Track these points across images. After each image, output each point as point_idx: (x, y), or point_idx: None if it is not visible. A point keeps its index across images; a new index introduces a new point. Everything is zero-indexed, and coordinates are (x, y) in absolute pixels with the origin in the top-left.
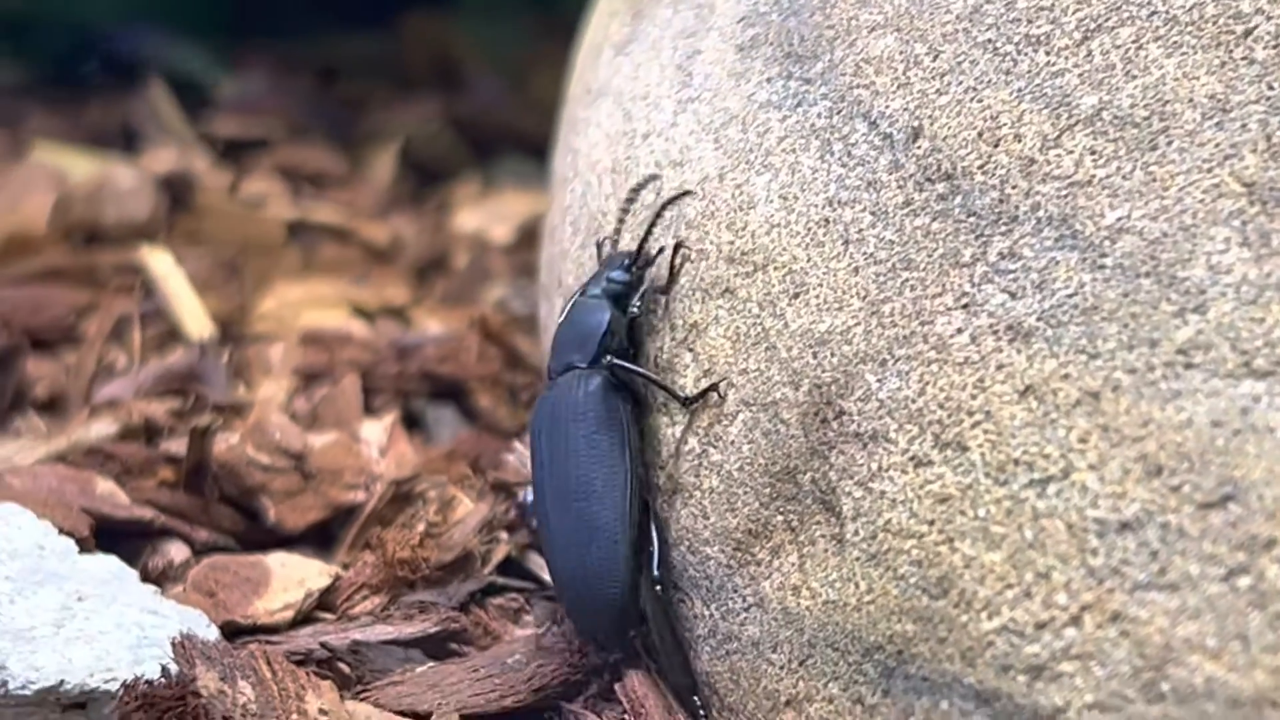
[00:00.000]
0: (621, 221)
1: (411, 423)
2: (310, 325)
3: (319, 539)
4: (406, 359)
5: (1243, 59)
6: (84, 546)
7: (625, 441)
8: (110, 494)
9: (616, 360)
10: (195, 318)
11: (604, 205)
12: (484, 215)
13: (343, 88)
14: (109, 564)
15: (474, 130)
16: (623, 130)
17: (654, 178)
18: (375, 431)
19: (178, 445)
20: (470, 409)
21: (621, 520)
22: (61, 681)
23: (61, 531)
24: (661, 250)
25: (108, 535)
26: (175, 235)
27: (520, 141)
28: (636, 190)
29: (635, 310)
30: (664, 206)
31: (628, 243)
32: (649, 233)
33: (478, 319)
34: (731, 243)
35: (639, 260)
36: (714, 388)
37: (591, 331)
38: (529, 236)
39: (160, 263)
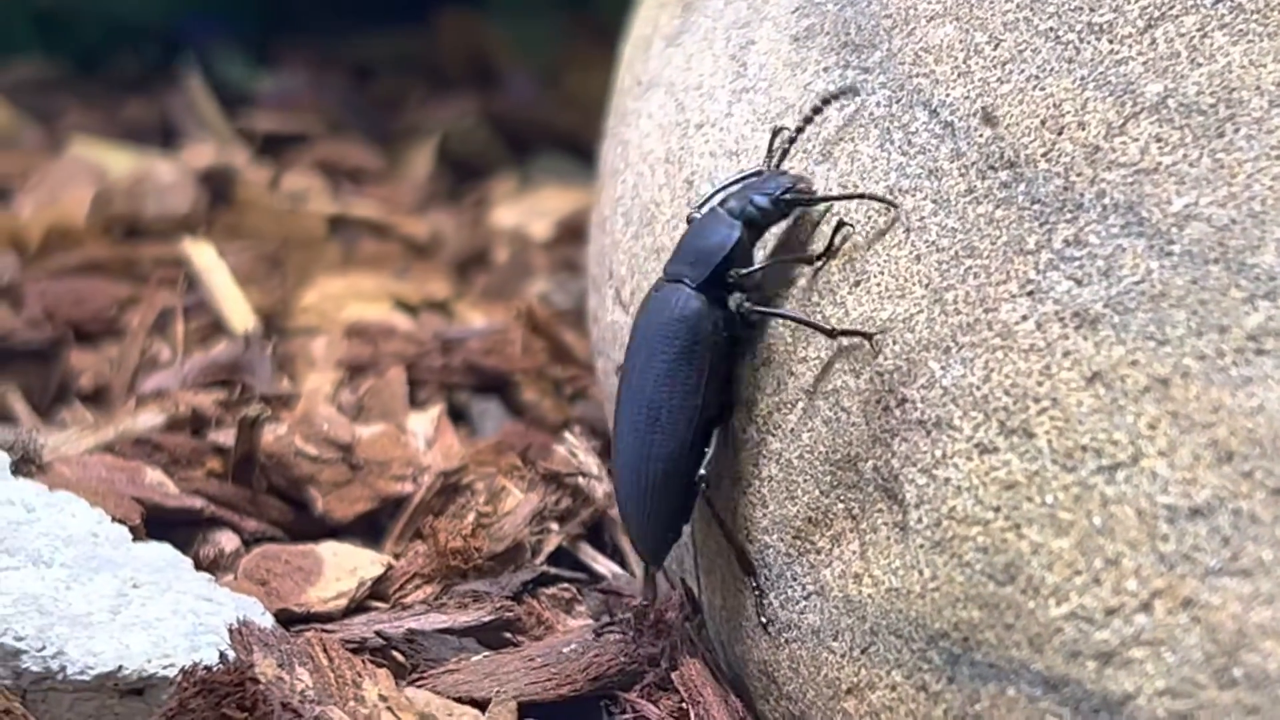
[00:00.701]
0: (800, 131)
1: (457, 416)
2: (353, 318)
3: (368, 530)
4: (451, 352)
5: None
6: (136, 535)
7: (704, 377)
8: (160, 483)
9: (746, 304)
10: (239, 311)
11: (657, 195)
12: (522, 211)
13: (378, 85)
14: (163, 551)
15: (510, 127)
16: (676, 121)
17: (850, 91)
18: (422, 423)
19: (225, 436)
20: (515, 402)
21: (680, 450)
22: (120, 667)
23: (114, 519)
24: (812, 193)
25: (158, 524)
26: (216, 230)
27: (557, 139)
28: (825, 103)
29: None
30: (824, 103)
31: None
32: (801, 130)
33: (524, 311)
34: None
35: (789, 190)
36: (868, 337)
37: (712, 251)
38: (569, 232)
39: (203, 255)
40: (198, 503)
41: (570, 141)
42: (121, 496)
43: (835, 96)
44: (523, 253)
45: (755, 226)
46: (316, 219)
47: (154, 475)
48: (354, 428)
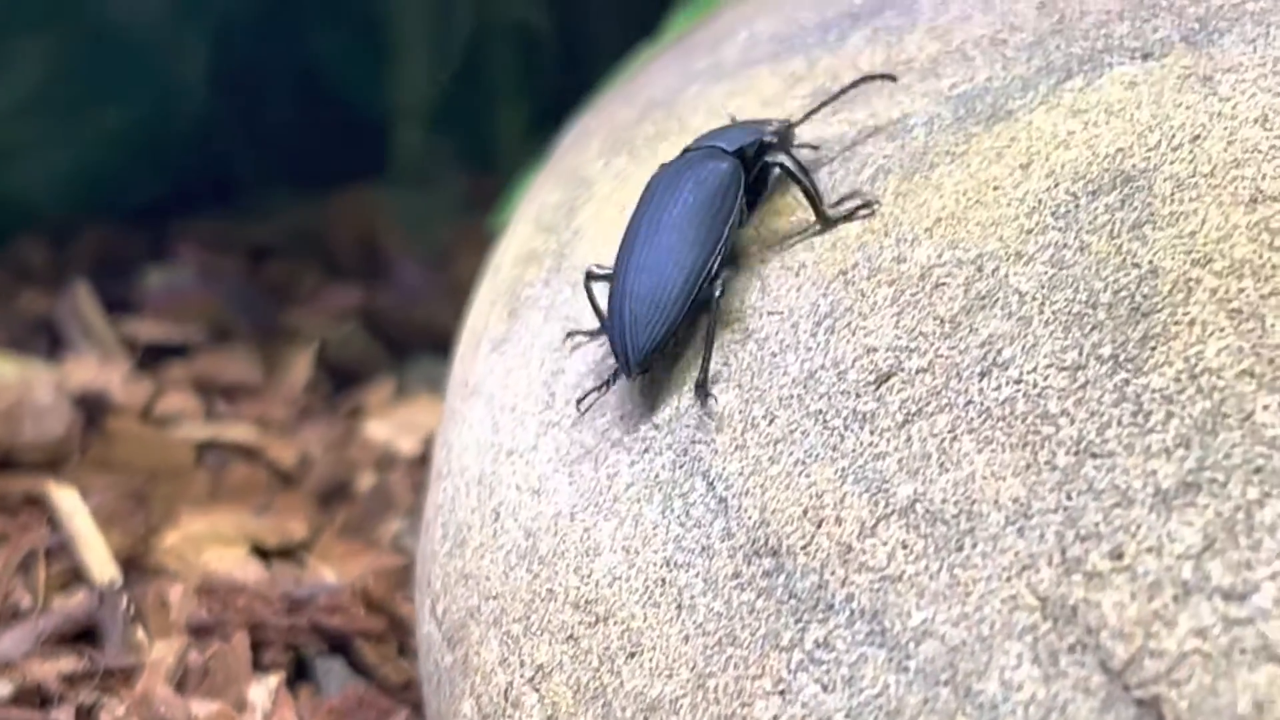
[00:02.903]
0: (824, 104)
1: (304, 673)
2: (209, 568)
3: None
4: (298, 612)
5: (1046, 464)
6: None
7: (727, 228)
8: None
9: (779, 157)
10: (99, 558)
11: (469, 518)
12: (393, 426)
13: (272, 270)
14: None
15: (391, 328)
16: (490, 441)
17: (888, 77)
18: (261, 695)
19: (67, 715)
20: (359, 663)
21: (703, 268)
22: None
23: None
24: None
25: None
26: (86, 460)
27: (435, 340)
28: (859, 83)
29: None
30: (859, 82)
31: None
32: (835, 98)
33: (360, 589)
34: (578, 588)
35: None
36: (866, 204)
37: (747, 133)
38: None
39: (67, 499)
40: None
41: (448, 343)
42: None
43: (872, 79)
44: (385, 483)
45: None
46: (186, 447)
47: None
48: (190, 706)
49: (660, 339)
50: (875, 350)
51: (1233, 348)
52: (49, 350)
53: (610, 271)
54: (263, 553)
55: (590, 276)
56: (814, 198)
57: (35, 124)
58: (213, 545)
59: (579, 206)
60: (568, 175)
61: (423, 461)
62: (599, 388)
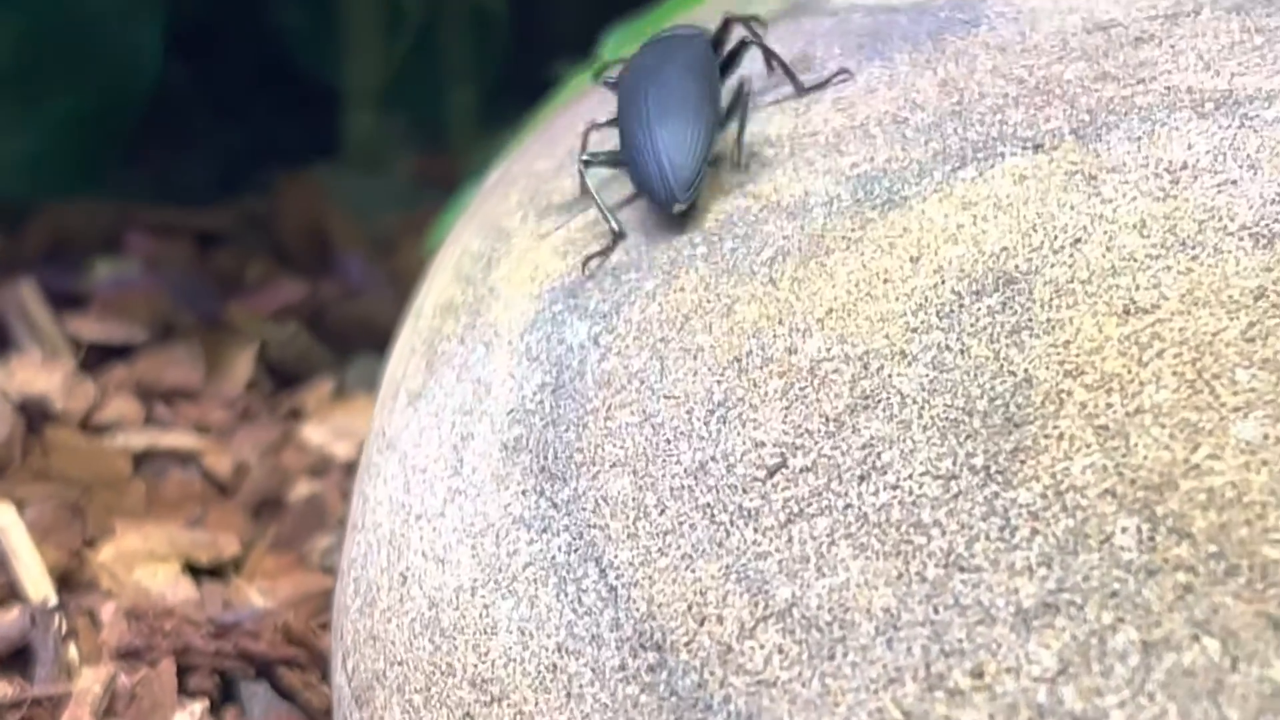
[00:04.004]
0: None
1: (230, 695)
2: (141, 585)
3: None
4: (224, 636)
5: (917, 575)
6: None
7: (714, 90)
8: None
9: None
10: (33, 578)
11: (378, 579)
12: (329, 430)
13: (220, 258)
14: None
15: (332, 324)
16: (402, 501)
17: (845, 71)
18: None
19: None
20: (283, 687)
21: (708, 116)
22: None
23: None
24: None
25: None
26: (25, 468)
27: (376, 338)
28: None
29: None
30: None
31: None
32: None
33: (282, 625)
34: (475, 665)
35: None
36: (843, 70)
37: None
38: None
39: (3, 515)
40: None
41: (386, 341)
42: None
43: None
44: (317, 496)
45: None
46: (124, 457)
47: None
48: None
49: (701, 166)
50: (763, 445)
51: (1097, 465)
52: None
53: (606, 156)
54: (194, 569)
55: (588, 163)
56: (786, 66)
57: None
58: (146, 563)
59: (496, 260)
60: (489, 224)
61: (356, 468)
62: (603, 251)
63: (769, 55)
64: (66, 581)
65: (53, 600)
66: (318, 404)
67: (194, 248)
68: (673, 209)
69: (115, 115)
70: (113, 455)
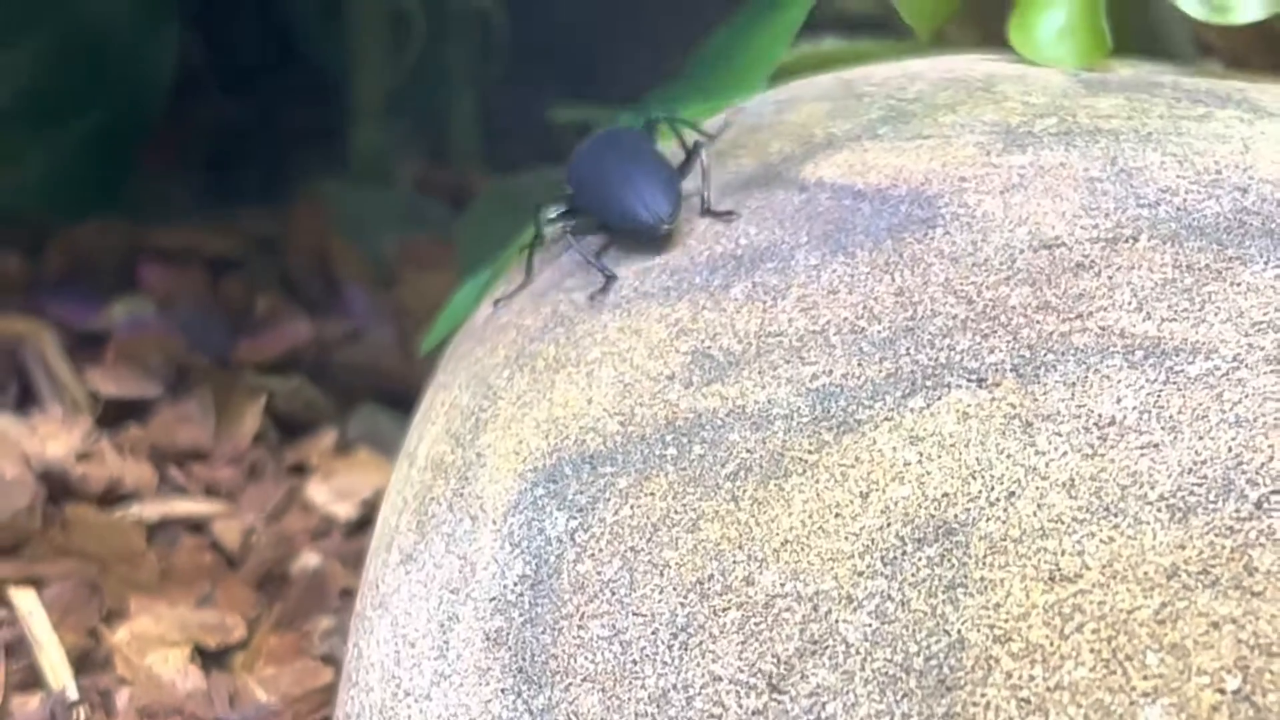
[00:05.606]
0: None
1: None
2: (153, 672)
3: None
4: None
5: None
6: None
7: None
8: None
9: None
10: (54, 663)
11: None
12: (331, 490)
13: (230, 287)
14: None
15: (336, 370)
16: (392, 672)
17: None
18: None
19: None
20: None
21: (671, 170)
22: None
23: None
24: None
25: None
26: (44, 542)
27: (380, 386)
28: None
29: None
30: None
31: None
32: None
33: None
34: None
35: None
36: (730, 212)
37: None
38: (372, 514)
39: (24, 600)
40: None
41: (388, 390)
42: None
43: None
44: (320, 568)
45: None
46: (138, 530)
47: None
48: None
49: (678, 197)
50: (720, 681)
51: None
52: (19, 401)
53: (564, 208)
54: (203, 655)
55: (549, 219)
56: (708, 188)
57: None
58: (158, 648)
59: (484, 423)
60: (478, 376)
61: (360, 527)
62: (603, 289)
63: (702, 164)
64: (83, 662)
65: (72, 689)
66: (321, 458)
67: (205, 277)
68: (659, 231)
69: (131, 134)
70: (128, 529)
